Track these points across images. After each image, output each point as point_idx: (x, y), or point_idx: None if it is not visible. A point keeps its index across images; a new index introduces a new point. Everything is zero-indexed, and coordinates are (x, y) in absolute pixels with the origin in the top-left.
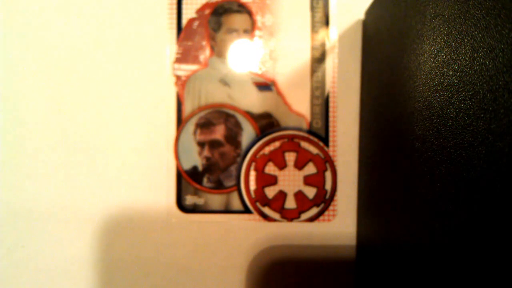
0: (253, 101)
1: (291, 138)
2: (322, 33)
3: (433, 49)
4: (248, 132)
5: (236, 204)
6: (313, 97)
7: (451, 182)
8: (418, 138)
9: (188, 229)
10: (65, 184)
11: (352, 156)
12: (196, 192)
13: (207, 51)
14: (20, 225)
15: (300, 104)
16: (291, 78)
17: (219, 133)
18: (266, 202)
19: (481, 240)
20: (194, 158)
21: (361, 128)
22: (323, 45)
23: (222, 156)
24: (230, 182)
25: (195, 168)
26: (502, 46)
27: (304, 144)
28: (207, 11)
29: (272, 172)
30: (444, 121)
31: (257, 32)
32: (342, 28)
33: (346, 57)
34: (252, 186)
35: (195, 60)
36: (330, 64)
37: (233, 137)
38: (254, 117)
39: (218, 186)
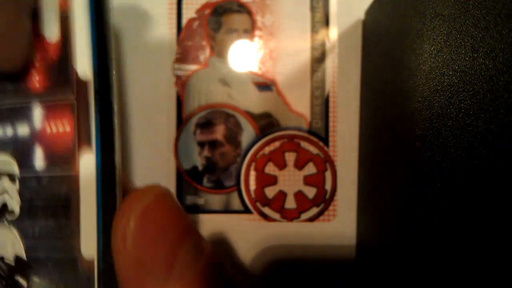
0: (253, 101)
1: (291, 138)
2: (322, 33)
3: (433, 49)
4: (248, 132)
5: (236, 204)
6: (313, 97)
7: (451, 182)
8: (418, 138)
9: None
10: None
11: (352, 156)
12: (196, 192)
13: (207, 51)
14: None
15: (300, 104)
16: (291, 78)
17: (219, 133)
18: (266, 202)
19: (481, 240)
20: (194, 158)
21: (361, 128)
22: (323, 45)
23: (222, 156)
24: (230, 182)
25: (195, 168)
26: (502, 46)
27: (304, 144)
28: (207, 11)
29: (272, 172)
30: (444, 121)
31: (257, 32)
32: (342, 28)
33: (346, 57)
34: (252, 186)
35: (195, 60)
36: (330, 64)
37: (233, 137)
38: (254, 117)
39: (218, 186)
